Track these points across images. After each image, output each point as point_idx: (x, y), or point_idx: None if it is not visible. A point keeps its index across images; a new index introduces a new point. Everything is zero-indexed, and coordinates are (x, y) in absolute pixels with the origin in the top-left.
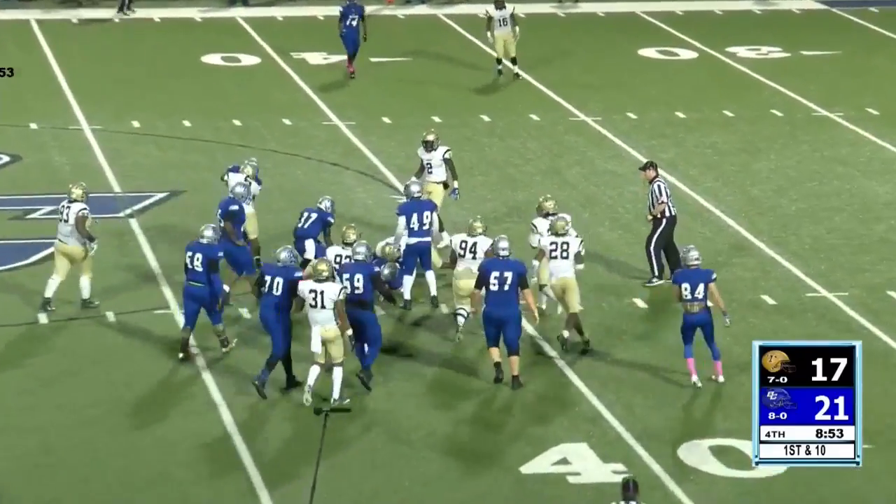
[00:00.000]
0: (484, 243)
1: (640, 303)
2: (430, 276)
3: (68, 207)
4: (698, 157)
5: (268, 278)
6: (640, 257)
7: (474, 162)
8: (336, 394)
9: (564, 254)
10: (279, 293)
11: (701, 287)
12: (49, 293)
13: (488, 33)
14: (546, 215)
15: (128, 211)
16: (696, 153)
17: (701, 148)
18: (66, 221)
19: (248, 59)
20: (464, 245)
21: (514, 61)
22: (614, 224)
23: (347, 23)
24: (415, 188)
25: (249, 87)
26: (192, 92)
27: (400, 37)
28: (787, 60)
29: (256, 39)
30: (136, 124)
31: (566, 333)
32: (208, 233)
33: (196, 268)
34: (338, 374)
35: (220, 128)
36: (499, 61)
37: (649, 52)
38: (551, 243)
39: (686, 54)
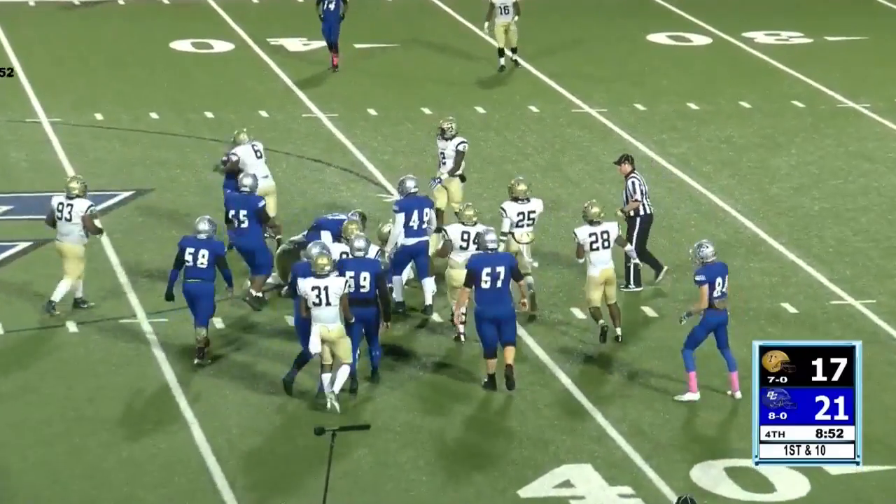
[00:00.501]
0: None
1: (650, 311)
2: (427, 283)
3: (69, 205)
4: (712, 153)
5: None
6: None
7: (468, 158)
8: (337, 387)
9: (606, 243)
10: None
11: (725, 281)
12: (79, 293)
13: (486, 23)
14: (516, 199)
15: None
16: (709, 148)
17: (715, 142)
18: (69, 220)
19: (220, 46)
20: (466, 236)
21: (514, 51)
22: (621, 226)
23: (325, 6)
24: (410, 183)
25: (222, 76)
26: (159, 81)
27: (387, 21)
28: (809, 47)
29: (230, 24)
30: (98, 117)
31: (618, 330)
32: (205, 226)
33: (200, 265)
34: (345, 371)
35: (191, 120)
36: (501, 52)
37: (659, 38)
38: (590, 234)
39: (699, 40)
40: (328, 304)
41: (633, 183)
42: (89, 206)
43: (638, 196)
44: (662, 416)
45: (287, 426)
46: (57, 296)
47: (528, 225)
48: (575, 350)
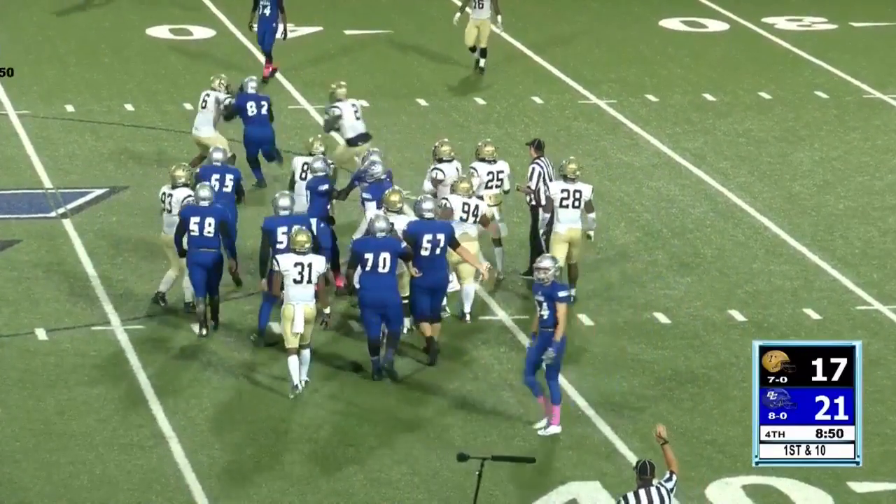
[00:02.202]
0: (483, 206)
1: (662, 317)
2: None
3: (170, 195)
4: (730, 147)
5: (369, 256)
6: (663, 264)
7: (467, 152)
8: (304, 375)
9: (576, 203)
10: (388, 269)
11: None
12: (164, 287)
13: (458, 14)
14: (483, 160)
15: (60, 210)
16: (727, 142)
17: (733, 136)
18: (170, 212)
19: (200, 32)
20: (466, 208)
21: (482, 53)
22: (631, 225)
23: (260, 11)
24: (378, 168)
25: (202, 65)
26: (135, 71)
27: (379, 4)
28: (833, 33)
29: (210, 8)
30: (69, 108)
31: (573, 291)
32: (207, 193)
33: (207, 234)
34: (306, 356)
35: (168, 112)
36: (473, 49)
37: (673, 24)
38: (562, 190)
39: (716, 26)
40: (309, 281)
41: (532, 168)
42: (187, 197)
43: (532, 184)
44: (675, 429)
45: (273, 442)
46: (164, 286)
47: (496, 186)
48: (581, 358)
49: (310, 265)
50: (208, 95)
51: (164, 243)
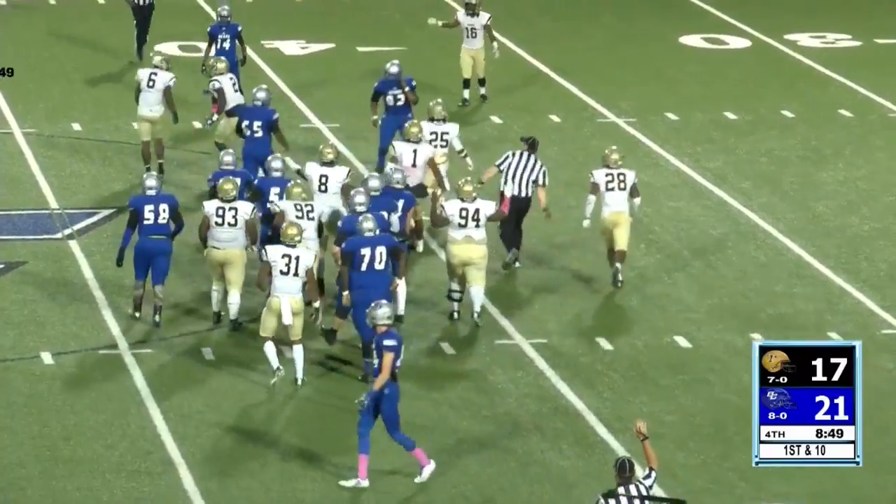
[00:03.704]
0: (487, 208)
1: (683, 341)
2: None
3: (233, 209)
4: (752, 167)
5: (366, 251)
6: (683, 286)
7: (484, 170)
8: (301, 373)
9: (622, 185)
10: (384, 265)
11: None
12: (218, 307)
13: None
14: (432, 119)
15: (67, 231)
16: (749, 162)
17: (755, 156)
18: (234, 225)
19: None
20: (465, 213)
21: (482, 82)
22: (651, 247)
23: (219, 45)
24: (373, 182)
25: None
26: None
27: (392, 21)
28: (858, 50)
29: None
30: (76, 127)
31: (619, 265)
32: (154, 182)
33: (161, 220)
34: (300, 353)
35: (177, 131)
36: (466, 83)
37: (693, 40)
38: (606, 175)
39: (737, 43)
40: (296, 274)
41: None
42: (254, 209)
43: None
44: (696, 456)
45: (284, 468)
46: (234, 309)
47: (441, 146)
48: (600, 383)
49: (297, 258)
50: (155, 74)
51: (219, 261)
